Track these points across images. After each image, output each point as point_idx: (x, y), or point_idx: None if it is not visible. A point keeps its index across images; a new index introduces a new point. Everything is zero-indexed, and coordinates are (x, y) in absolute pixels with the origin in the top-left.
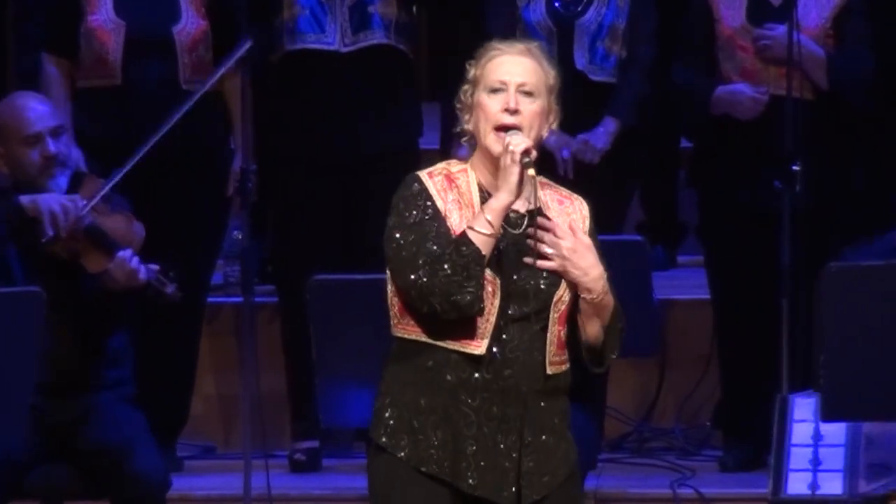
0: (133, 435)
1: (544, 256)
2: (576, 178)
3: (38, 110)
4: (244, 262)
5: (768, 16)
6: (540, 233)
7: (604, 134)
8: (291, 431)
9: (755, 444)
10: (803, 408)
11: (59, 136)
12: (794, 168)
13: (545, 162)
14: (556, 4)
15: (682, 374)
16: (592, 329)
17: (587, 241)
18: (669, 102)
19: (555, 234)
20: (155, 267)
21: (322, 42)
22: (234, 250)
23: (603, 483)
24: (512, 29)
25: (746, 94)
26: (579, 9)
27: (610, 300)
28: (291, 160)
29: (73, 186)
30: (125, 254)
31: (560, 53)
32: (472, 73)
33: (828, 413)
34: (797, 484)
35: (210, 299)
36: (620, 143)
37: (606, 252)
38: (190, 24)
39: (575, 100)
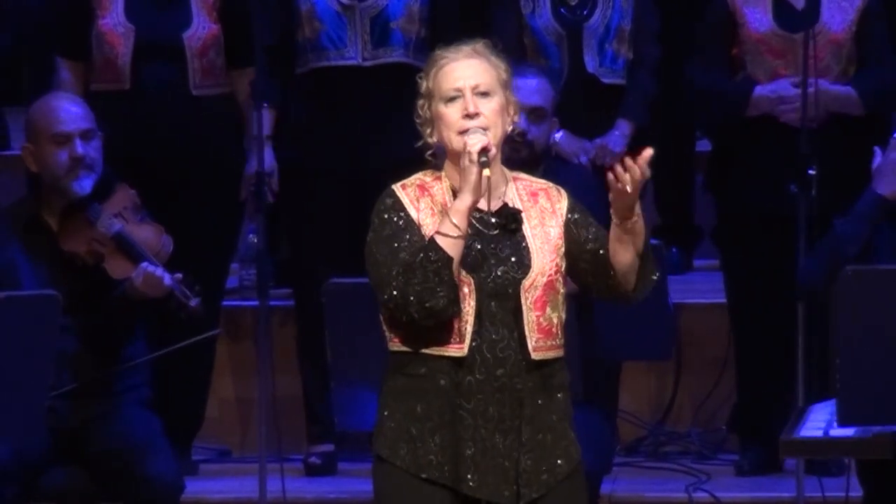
0: (147, 438)
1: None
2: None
3: (70, 111)
4: (259, 265)
5: (793, 19)
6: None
7: (620, 137)
8: (307, 435)
9: (771, 447)
10: (820, 411)
11: (89, 140)
12: (810, 172)
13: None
14: (562, 10)
15: (697, 377)
16: (626, 257)
17: (540, 233)
18: (687, 104)
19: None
20: (179, 276)
21: (344, 58)
22: (250, 254)
23: (618, 487)
24: (518, 37)
25: (791, 93)
26: (585, 12)
27: (643, 224)
28: (309, 166)
29: (103, 194)
30: (149, 263)
31: (570, 58)
32: (424, 86)
33: (844, 417)
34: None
35: (225, 303)
36: (631, 144)
37: None
38: (201, 28)
39: (587, 103)
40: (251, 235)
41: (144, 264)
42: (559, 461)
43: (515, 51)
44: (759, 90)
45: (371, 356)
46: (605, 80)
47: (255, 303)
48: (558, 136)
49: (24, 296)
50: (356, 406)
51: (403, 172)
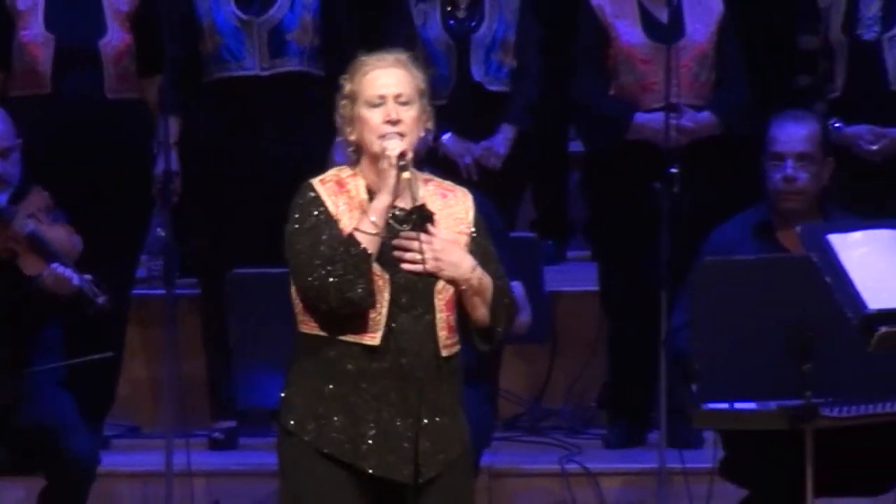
0: (65, 416)
1: (415, 262)
2: (474, 181)
3: None
4: (166, 257)
5: (660, 31)
6: (406, 241)
7: (503, 140)
8: (210, 412)
9: (637, 422)
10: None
11: (7, 157)
12: (672, 170)
13: (445, 164)
14: (451, 22)
15: (570, 359)
16: (479, 312)
17: (452, 237)
18: (571, 115)
19: (420, 240)
20: (88, 277)
21: (243, 68)
22: (157, 246)
23: (497, 459)
24: (411, 47)
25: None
26: (473, 24)
27: (487, 283)
28: (214, 168)
29: (18, 196)
30: (58, 263)
31: (458, 67)
32: (347, 87)
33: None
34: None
35: (136, 291)
36: (513, 146)
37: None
38: (115, 37)
39: (473, 109)
40: (158, 229)
41: (54, 265)
42: (453, 442)
43: None
44: (638, 118)
45: (270, 340)
46: (491, 88)
47: (163, 291)
48: (445, 137)
49: None
50: (256, 385)
51: (302, 172)
